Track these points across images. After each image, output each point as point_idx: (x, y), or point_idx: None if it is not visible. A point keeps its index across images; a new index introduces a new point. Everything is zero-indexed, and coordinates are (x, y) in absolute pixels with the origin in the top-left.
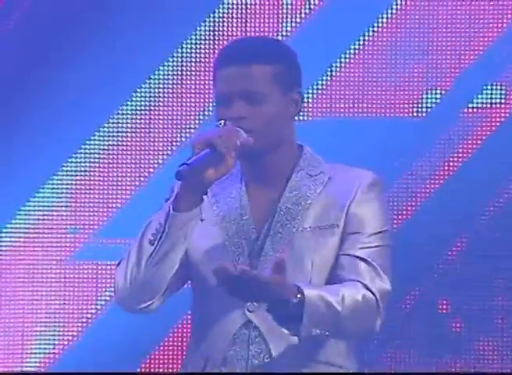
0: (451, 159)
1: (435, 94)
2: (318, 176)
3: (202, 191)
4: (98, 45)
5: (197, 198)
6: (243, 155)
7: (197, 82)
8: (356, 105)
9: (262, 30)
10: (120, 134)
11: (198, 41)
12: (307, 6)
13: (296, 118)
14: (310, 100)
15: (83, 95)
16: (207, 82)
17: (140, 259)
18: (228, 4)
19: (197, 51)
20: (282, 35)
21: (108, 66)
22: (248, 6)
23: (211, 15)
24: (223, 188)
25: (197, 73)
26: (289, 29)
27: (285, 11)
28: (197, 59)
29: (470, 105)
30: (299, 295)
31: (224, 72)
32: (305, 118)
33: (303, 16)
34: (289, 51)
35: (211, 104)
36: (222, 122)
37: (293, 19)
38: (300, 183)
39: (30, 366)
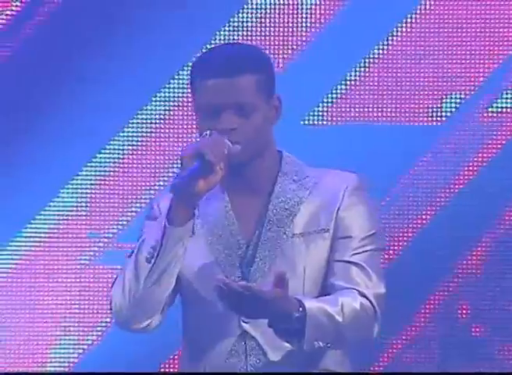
0: (471, 163)
1: (455, 99)
2: (304, 181)
3: (194, 203)
4: (113, 49)
5: (190, 211)
6: (229, 165)
7: None
8: (374, 111)
9: (281, 34)
10: (140, 138)
11: None
12: (326, 11)
13: (317, 123)
14: (329, 105)
15: (105, 96)
16: None
17: (138, 278)
18: (246, 11)
19: None
20: (299, 41)
21: (128, 68)
22: (267, 11)
23: (223, 28)
24: (206, 200)
25: None
26: (307, 35)
27: (304, 15)
28: None
29: (490, 110)
30: (300, 309)
31: (210, 83)
32: (325, 123)
33: (321, 21)
34: (268, 57)
35: None
36: (208, 132)
37: (312, 25)
38: (286, 189)
39: (50, 370)
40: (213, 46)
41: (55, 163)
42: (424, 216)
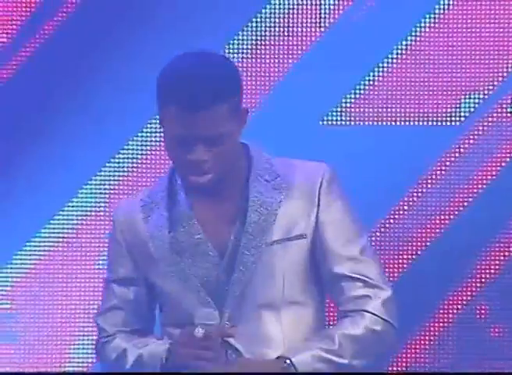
0: (490, 164)
1: (474, 99)
2: (276, 182)
3: None
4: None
5: None
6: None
7: None
8: (393, 112)
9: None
10: (159, 138)
11: None
12: (345, 11)
13: (336, 123)
14: (348, 105)
15: (124, 97)
16: None
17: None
18: (264, 11)
19: None
20: (318, 41)
21: (147, 71)
22: (285, 11)
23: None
24: (166, 211)
25: None
26: (326, 34)
27: (322, 14)
28: None
29: (510, 110)
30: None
31: (179, 112)
32: (343, 123)
33: (341, 20)
34: (236, 70)
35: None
36: (201, 333)
37: (331, 24)
38: (261, 192)
39: (69, 370)
40: (179, 59)
41: (74, 164)
42: (443, 217)
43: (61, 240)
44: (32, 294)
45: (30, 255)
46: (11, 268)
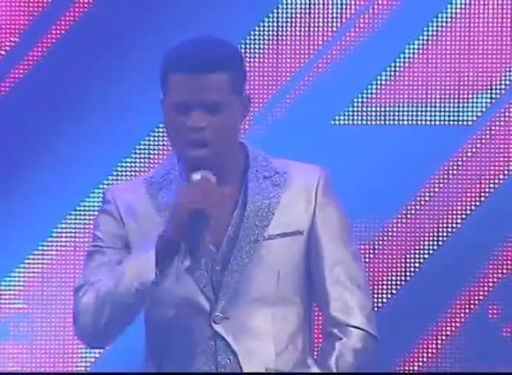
0: (502, 164)
1: (485, 99)
2: (274, 178)
3: (179, 241)
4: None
5: (175, 251)
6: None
7: None
8: (404, 112)
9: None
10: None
11: None
12: (357, 12)
13: (347, 123)
14: (360, 105)
15: (135, 97)
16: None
17: (114, 308)
18: (276, 11)
19: None
20: (330, 42)
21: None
22: (297, 12)
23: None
24: (165, 195)
25: None
26: (337, 35)
27: (334, 15)
28: None
29: None
30: None
31: (180, 79)
32: (355, 123)
33: (352, 21)
34: (241, 54)
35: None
36: (199, 177)
37: (343, 25)
38: (260, 188)
39: (80, 371)
40: (185, 40)
41: (85, 165)
42: (455, 216)
43: (73, 240)
44: (44, 294)
45: (42, 255)
46: (24, 268)
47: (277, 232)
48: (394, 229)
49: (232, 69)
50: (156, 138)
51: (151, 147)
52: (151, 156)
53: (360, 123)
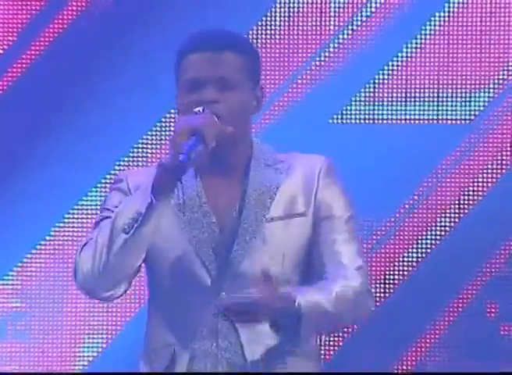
0: (499, 163)
1: (483, 97)
2: (278, 166)
3: (179, 178)
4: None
5: (174, 185)
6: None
7: None
8: (402, 110)
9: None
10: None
11: None
12: (354, 11)
13: (346, 121)
14: (358, 104)
15: (138, 93)
16: None
17: (112, 247)
18: (274, 10)
19: None
20: (327, 41)
21: (160, 70)
22: (295, 11)
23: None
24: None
25: None
26: (335, 34)
27: (332, 14)
28: None
29: None
30: (296, 304)
31: (194, 58)
32: (353, 121)
33: (350, 19)
34: (254, 47)
35: None
36: (200, 109)
37: (341, 23)
38: (261, 174)
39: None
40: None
41: (83, 163)
42: (453, 214)
43: (71, 239)
44: (42, 292)
45: (40, 253)
46: (21, 267)
47: (278, 214)
48: (391, 227)
49: (244, 52)
50: (155, 138)
51: (149, 146)
52: (149, 155)
53: (358, 121)
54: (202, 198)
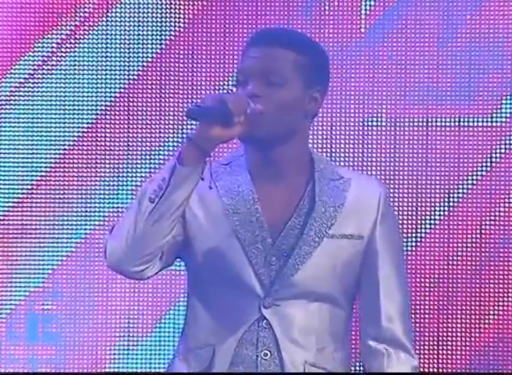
0: None
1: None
2: (340, 182)
3: (206, 148)
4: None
5: (201, 155)
6: (252, 142)
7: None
8: (427, 110)
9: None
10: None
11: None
12: (366, 11)
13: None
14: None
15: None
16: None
17: (139, 217)
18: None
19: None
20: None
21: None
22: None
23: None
24: (230, 180)
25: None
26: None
27: (337, 16)
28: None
29: None
30: None
31: (249, 52)
32: (378, 121)
33: (360, 19)
34: (319, 49)
35: None
36: (234, 89)
37: (349, 22)
38: (327, 189)
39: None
40: None
41: (96, 165)
42: (478, 219)
43: (91, 239)
44: (73, 295)
45: (72, 257)
46: (53, 269)
47: (340, 232)
48: (424, 233)
49: (300, 51)
50: (154, 137)
51: (148, 145)
52: (148, 155)
53: (383, 120)
54: (256, 204)
